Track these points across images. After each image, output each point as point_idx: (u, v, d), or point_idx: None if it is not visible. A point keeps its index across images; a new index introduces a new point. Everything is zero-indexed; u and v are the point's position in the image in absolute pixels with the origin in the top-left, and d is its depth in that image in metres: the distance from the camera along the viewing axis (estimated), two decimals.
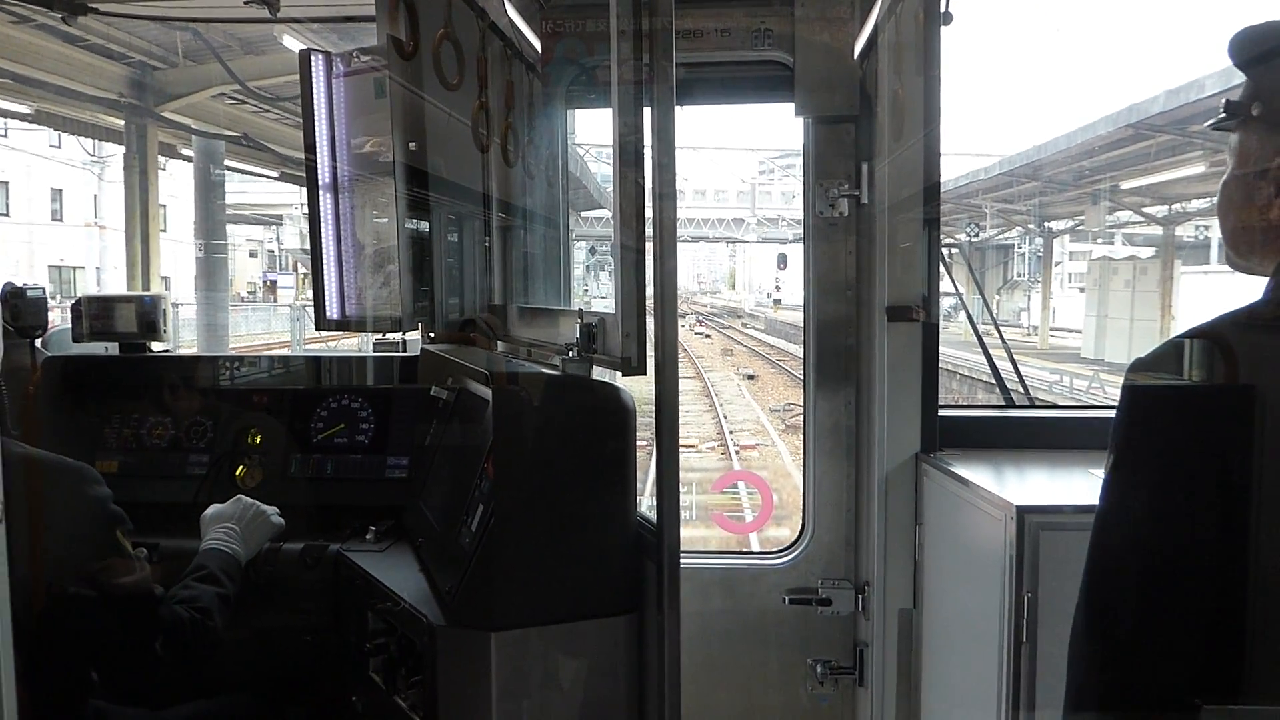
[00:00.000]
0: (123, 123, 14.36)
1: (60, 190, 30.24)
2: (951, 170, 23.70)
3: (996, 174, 22.05)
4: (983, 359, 3.14)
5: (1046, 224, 26.80)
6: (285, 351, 14.40)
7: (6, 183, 29.60)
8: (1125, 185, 21.02)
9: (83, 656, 1.92)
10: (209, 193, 14.08)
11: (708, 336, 34.82)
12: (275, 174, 18.85)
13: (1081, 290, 31.46)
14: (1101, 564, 1.27)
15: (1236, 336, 1.30)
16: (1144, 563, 1.25)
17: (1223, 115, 1.39)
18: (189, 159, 15.01)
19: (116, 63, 13.17)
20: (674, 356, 1.95)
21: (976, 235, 27.15)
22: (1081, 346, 24.32)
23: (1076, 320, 28.48)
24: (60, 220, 30.45)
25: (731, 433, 16.22)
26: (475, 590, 2.01)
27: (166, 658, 1.95)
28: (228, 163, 15.63)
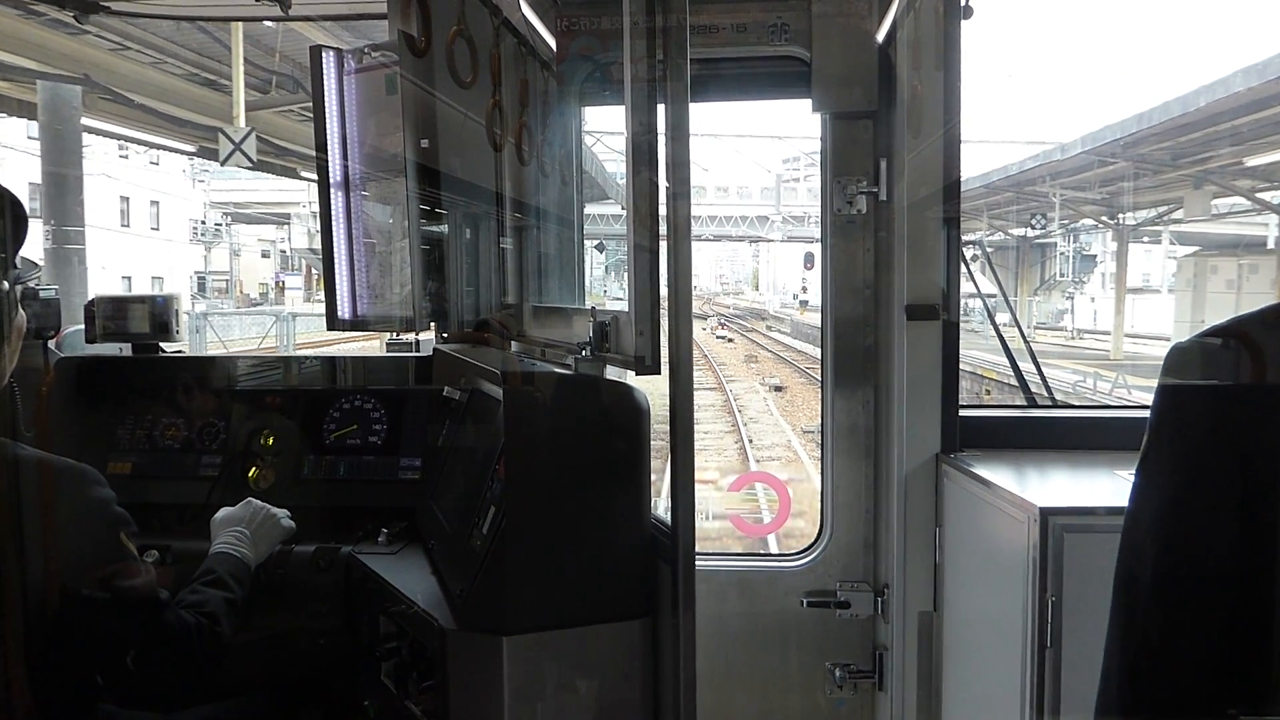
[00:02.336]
0: None
1: (39, 185, 29.16)
2: (1013, 155, 21.90)
3: (1077, 153, 18.49)
4: (1050, 366, 3.08)
5: (1119, 216, 23.83)
6: None
7: None
8: (1251, 163, 17.11)
9: (89, 660, 1.90)
10: (60, 160, 10.56)
11: (730, 341, 33.40)
12: (192, 149, 13.61)
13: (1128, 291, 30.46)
14: (1131, 567, 1.23)
15: (1267, 334, 1.24)
16: (1173, 567, 1.20)
17: None
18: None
19: None
20: (689, 356, 1.93)
21: (1043, 227, 25.11)
22: None
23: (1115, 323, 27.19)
24: (38, 216, 29.46)
25: (759, 461, 14.47)
26: (486, 593, 1.98)
27: (172, 663, 1.93)
28: (96, 124, 11.52)
